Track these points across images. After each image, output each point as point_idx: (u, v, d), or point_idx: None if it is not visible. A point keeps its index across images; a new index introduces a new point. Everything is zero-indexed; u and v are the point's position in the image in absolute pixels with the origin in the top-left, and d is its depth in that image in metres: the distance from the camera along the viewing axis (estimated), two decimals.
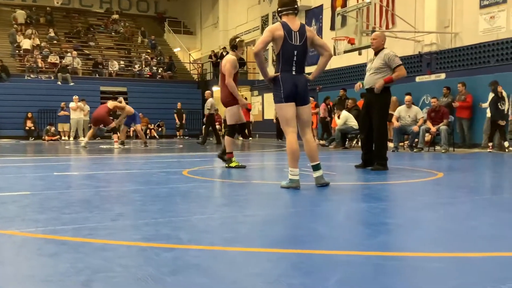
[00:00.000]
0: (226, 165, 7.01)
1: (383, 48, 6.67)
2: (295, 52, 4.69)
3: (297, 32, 4.69)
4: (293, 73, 4.72)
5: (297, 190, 4.62)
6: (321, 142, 15.52)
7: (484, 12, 13.04)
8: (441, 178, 5.77)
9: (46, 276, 1.99)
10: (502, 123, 11.16)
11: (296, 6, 4.79)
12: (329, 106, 16.29)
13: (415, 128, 11.53)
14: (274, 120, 19.15)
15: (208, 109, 15.51)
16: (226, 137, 7.15)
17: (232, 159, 6.99)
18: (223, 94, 7.09)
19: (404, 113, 11.89)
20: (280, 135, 19.17)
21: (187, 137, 22.38)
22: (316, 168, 4.87)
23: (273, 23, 22.85)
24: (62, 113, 20.06)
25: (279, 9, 4.83)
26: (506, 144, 11.12)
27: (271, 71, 4.83)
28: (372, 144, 6.80)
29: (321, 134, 16.56)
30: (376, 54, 6.69)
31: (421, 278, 2.02)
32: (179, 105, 22.73)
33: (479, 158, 9.31)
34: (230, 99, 7.02)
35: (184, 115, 22.90)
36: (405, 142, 12.67)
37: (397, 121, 11.84)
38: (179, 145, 15.73)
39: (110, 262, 2.17)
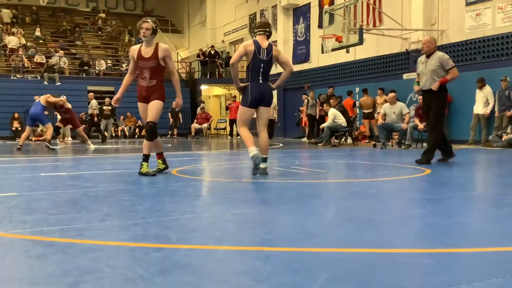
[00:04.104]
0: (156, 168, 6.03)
1: (435, 51, 7.02)
2: (262, 65, 5.71)
3: (265, 50, 5.73)
4: (260, 81, 5.74)
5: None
6: (311, 140, 15.54)
7: (470, 9, 13.16)
8: (429, 175, 5.81)
9: (33, 278, 1.97)
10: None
11: (267, 29, 5.84)
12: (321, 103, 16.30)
13: (403, 125, 11.60)
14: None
15: (94, 109, 16.18)
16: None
17: (142, 163, 5.84)
18: None
19: (388, 110, 12.01)
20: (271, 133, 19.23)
21: (175, 136, 22.30)
22: (264, 160, 5.70)
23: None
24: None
25: (255, 30, 5.96)
26: None
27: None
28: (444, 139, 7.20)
29: (314, 131, 16.49)
30: (428, 57, 7.02)
31: (409, 274, 2.03)
32: (174, 104, 22.58)
33: (466, 154, 9.39)
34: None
35: (180, 114, 22.68)
36: (393, 139, 12.76)
37: (383, 118, 11.95)
38: (168, 144, 15.68)
39: (98, 263, 2.15)
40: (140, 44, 5.89)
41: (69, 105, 13.39)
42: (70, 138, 16.86)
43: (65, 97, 13.96)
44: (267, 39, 5.82)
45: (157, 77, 5.87)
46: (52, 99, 12.67)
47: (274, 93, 20.48)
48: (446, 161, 7.15)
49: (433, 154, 7.03)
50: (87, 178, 5.55)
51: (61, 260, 2.22)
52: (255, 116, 5.88)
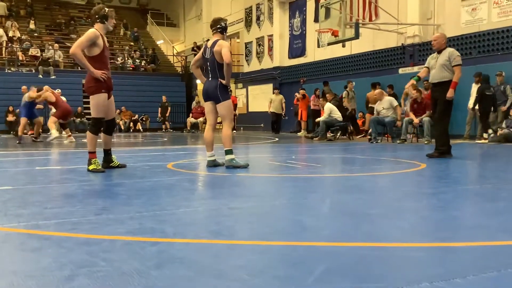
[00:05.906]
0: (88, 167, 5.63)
1: (446, 47, 7.12)
2: (208, 63, 5.93)
3: (209, 48, 5.88)
4: (209, 79, 5.98)
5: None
6: (307, 135, 15.54)
7: (466, 4, 13.16)
8: (424, 169, 5.83)
9: (29, 271, 1.96)
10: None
11: (218, 26, 5.96)
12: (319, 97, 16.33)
13: (398, 123, 11.74)
14: (269, 111, 18.83)
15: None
16: (87, 132, 5.82)
17: (92, 161, 5.60)
18: (86, 78, 5.80)
19: (378, 106, 12.14)
20: (274, 128, 18.93)
21: (171, 130, 22.26)
22: (225, 153, 5.90)
23: (256, 15, 22.81)
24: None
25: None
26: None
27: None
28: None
29: (312, 126, 16.50)
30: (439, 52, 7.11)
31: (404, 267, 2.04)
32: (163, 98, 22.60)
33: (462, 149, 9.42)
34: (92, 85, 5.66)
35: (169, 108, 22.74)
36: (387, 134, 12.80)
37: (377, 113, 12.10)
38: (163, 138, 15.65)
39: (94, 257, 2.15)
40: (97, 31, 5.63)
41: (52, 98, 13.51)
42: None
43: (47, 91, 14.02)
44: (221, 34, 5.96)
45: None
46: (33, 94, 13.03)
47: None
48: (437, 157, 7.05)
49: (448, 146, 7.13)
50: (82, 172, 5.53)
51: (57, 253, 2.21)
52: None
